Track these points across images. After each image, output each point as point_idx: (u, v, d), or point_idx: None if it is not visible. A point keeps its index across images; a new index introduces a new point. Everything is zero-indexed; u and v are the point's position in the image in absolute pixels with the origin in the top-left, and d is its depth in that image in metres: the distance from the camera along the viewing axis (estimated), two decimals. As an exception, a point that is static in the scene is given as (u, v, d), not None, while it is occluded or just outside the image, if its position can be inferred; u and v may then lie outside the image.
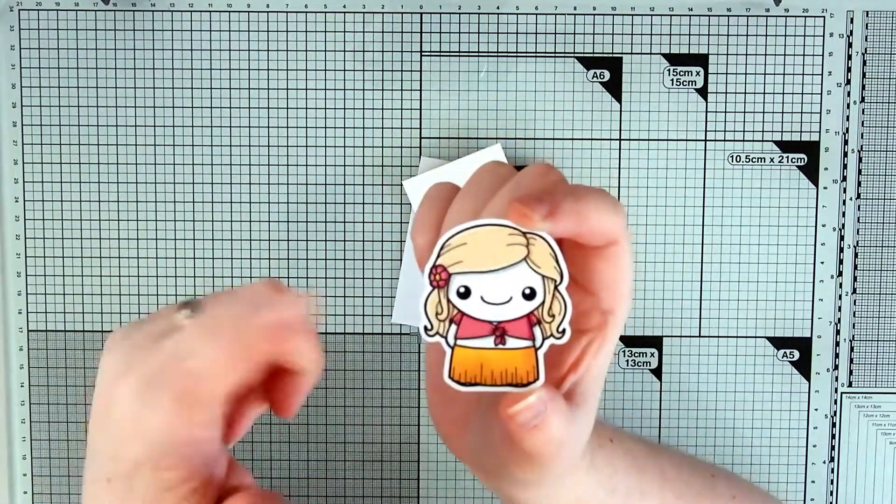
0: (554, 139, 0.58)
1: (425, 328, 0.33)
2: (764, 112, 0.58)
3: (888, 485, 0.60)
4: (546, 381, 0.33)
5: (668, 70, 0.58)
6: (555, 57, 0.58)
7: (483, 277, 0.33)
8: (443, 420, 0.39)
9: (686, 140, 0.58)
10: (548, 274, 0.32)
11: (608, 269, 0.34)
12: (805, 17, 0.58)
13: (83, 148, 0.59)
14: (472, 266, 0.33)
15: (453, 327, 0.33)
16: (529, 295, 0.33)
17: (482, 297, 0.33)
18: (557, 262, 0.32)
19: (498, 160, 0.38)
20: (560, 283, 0.32)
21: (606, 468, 0.41)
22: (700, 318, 0.59)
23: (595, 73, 0.58)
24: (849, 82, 0.58)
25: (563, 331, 0.33)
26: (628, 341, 0.59)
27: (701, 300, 0.59)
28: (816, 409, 0.60)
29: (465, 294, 0.33)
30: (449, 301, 0.33)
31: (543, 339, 0.33)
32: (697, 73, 0.58)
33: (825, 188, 0.59)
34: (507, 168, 0.37)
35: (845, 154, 0.59)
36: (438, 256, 0.33)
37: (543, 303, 0.33)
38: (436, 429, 0.40)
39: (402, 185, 0.58)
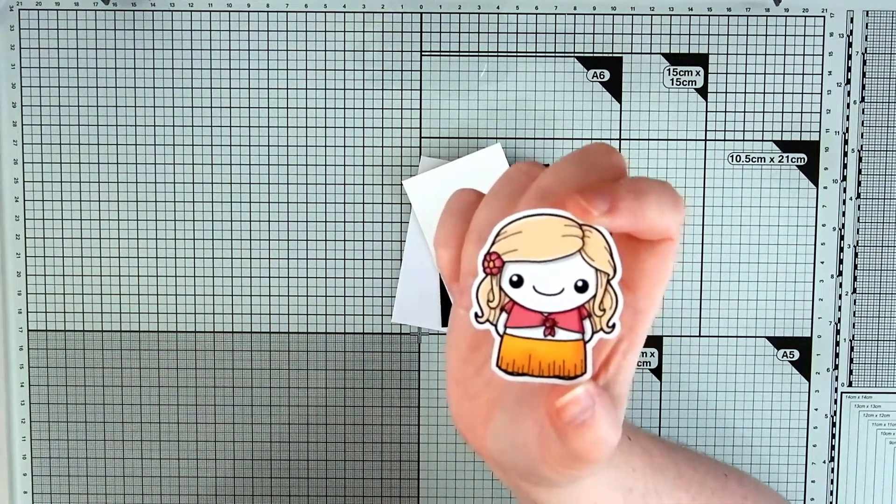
0: (554, 139, 0.58)
1: (475, 315, 0.33)
2: (764, 112, 0.58)
3: (888, 485, 0.60)
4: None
5: (668, 70, 0.58)
6: (555, 57, 0.58)
7: (536, 267, 0.32)
8: (463, 415, 0.38)
9: (686, 140, 0.58)
10: (601, 267, 0.32)
11: (655, 264, 0.34)
12: (805, 16, 0.58)
13: (83, 148, 0.59)
14: (527, 255, 0.32)
15: (503, 316, 0.33)
16: (581, 287, 0.32)
17: (534, 287, 0.32)
18: (612, 256, 0.32)
19: (532, 161, 0.37)
20: (613, 277, 0.32)
21: (625, 467, 0.41)
22: (700, 318, 0.59)
23: (595, 73, 0.58)
24: (849, 82, 0.58)
25: (613, 325, 0.32)
26: (628, 341, 0.59)
27: (701, 300, 0.59)
28: (816, 409, 0.60)
29: (517, 283, 0.32)
30: (501, 289, 0.33)
31: (593, 333, 0.32)
32: (697, 73, 0.58)
33: (825, 188, 0.59)
34: (541, 168, 0.36)
35: (845, 154, 0.59)
36: (494, 243, 0.32)
37: (595, 296, 0.32)
38: (455, 423, 0.39)
39: (402, 185, 0.58)
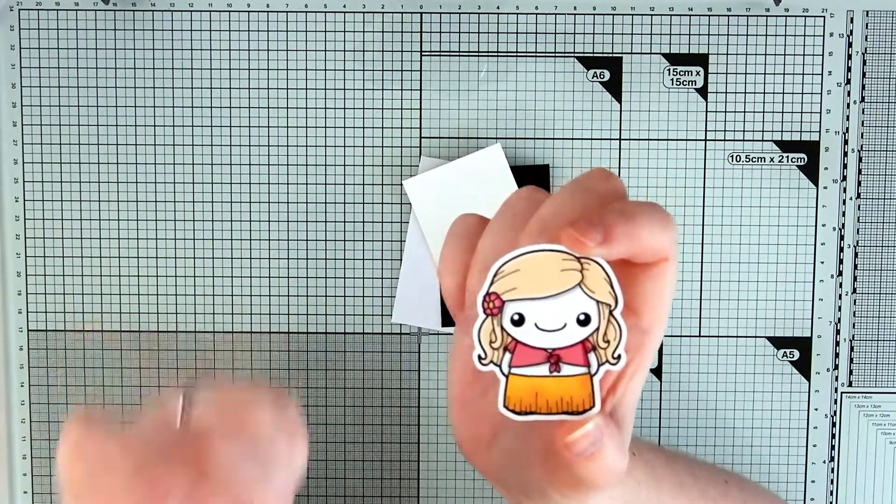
0: (554, 139, 0.58)
1: (479, 357, 0.32)
2: (764, 112, 0.58)
3: (888, 485, 0.60)
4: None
5: (668, 70, 0.58)
6: (555, 57, 0.58)
7: (537, 304, 0.32)
8: (467, 436, 0.37)
9: (686, 140, 0.58)
10: (602, 299, 0.32)
11: (654, 287, 0.33)
12: (805, 16, 0.58)
13: (83, 148, 0.59)
14: (527, 293, 0.32)
15: (507, 355, 0.32)
16: (584, 321, 0.32)
17: (536, 324, 0.32)
18: (612, 286, 0.32)
19: (533, 186, 0.37)
20: (615, 307, 0.32)
21: (629, 481, 0.41)
22: (700, 318, 0.59)
23: (595, 73, 0.58)
24: (849, 82, 0.58)
25: (619, 356, 0.32)
26: (628, 341, 0.59)
27: (701, 300, 0.59)
28: (816, 409, 0.60)
29: (518, 321, 0.32)
30: (503, 329, 0.32)
31: (599, 366, 0.32)
32: (697, 73, 0.58)
33: (825, 188, 0.59)
34: (542, 194, 0.36)
35: (845, 154, 0.59)
36: (492, 283, 0.32)
37: (598, 328, 0.32)
38: (457, 443, 0.38)
39: (402, 185, 0.58)
